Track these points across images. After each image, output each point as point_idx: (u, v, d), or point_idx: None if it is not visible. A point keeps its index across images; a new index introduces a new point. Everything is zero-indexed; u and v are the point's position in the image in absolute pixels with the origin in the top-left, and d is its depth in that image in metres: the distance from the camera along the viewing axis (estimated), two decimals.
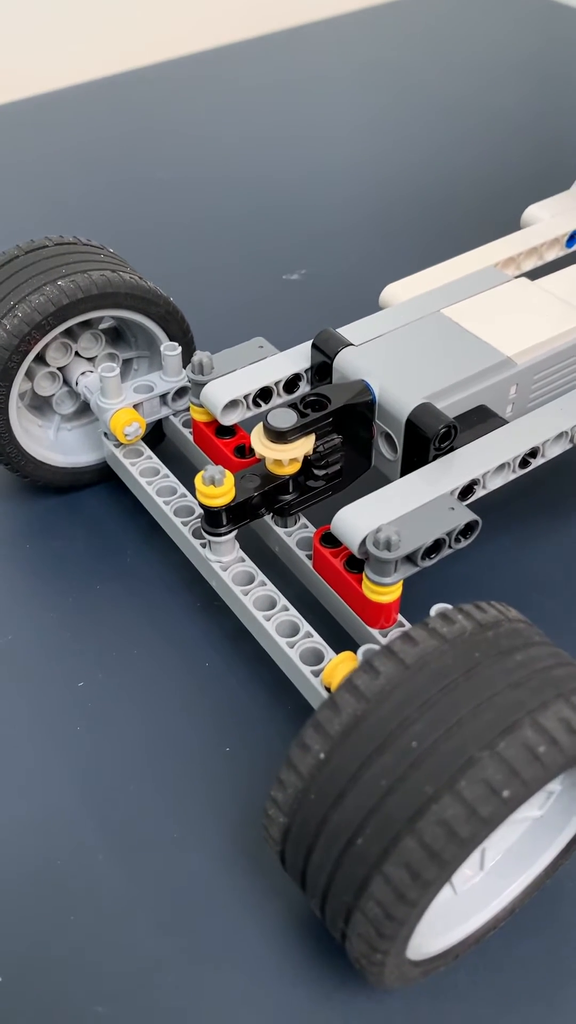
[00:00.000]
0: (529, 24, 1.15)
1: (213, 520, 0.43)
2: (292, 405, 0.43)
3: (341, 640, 0.43)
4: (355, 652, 0.39)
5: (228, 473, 0.42)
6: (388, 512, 0.41)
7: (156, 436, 0.55)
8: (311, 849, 0.31)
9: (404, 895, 0.29)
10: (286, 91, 1.01)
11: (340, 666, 0.39)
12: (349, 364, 0.46)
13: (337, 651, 0.40)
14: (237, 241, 0.77)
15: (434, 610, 0.37)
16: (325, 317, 0.56)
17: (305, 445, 0.43)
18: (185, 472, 0.51)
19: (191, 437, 0.51)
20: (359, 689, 0.31)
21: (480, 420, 0.45)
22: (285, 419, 0.42)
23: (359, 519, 0.40)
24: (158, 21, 1.19)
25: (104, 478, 0.55)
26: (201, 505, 0.42)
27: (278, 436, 0.42)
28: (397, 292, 0.53)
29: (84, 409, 0.54)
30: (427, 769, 0.29)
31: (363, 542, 0.40)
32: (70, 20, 1.15)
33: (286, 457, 0.42)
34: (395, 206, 0.81)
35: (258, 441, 0.43)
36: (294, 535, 0.46)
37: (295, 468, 0.43)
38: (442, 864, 0.28)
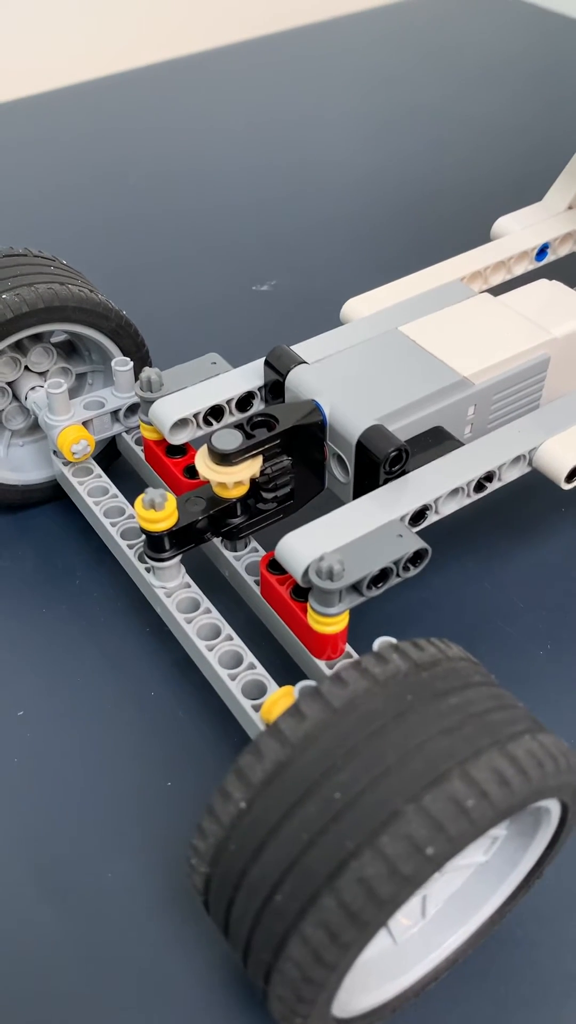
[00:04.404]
0: (517, 31, 1.14)
1: (155, 545, 0.41)
2: (239, 426, 0.42)
3: (293, 670, 0.41)
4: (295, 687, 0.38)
5: (170, 496, 0.40)
6: (334, 539, 0.39)
7: (111, 453, 0.53)
8: (232, 902, 0.29)
9: (322, 957, 0.27)
10: (268, 99, 1.00)
11: (279, 702, 0.37)
12: (301, 383, 0.44)
13: (286, 683, 0.38)
14: (209, 250, 0.76)
15: (376, 644, 0.35)
16: (294, 330, 0.54)
17: (251, 467, 0.41)
18: (139, 492, 0.49)
19: (144, 456, 0.50)
20: (283, 734, 0.29)
21: (435, 442, 0.43)
22: (230, 441, 0.40)
23: (303, 546, 0.39)
24: (134, 25, 1.18)
25: (57, 496, 0.53)
26: (142, 530, 0.41)
27: (222, 458, 0.40)
28: (358, 307, 0.51)
29: (36, 425, 0.53)
30: (349, 822, 0.27)
31: (306, 571, 0.38)
32: (41, 23, 1.14)
33: (231, 480, 0.41)
34: (378, 217, 0.79)
35: (202, 463, 0.41)
36: (243, 559, 0.44)
37: (241, 491, 0.42)
38: (361, 925, 0.26)
